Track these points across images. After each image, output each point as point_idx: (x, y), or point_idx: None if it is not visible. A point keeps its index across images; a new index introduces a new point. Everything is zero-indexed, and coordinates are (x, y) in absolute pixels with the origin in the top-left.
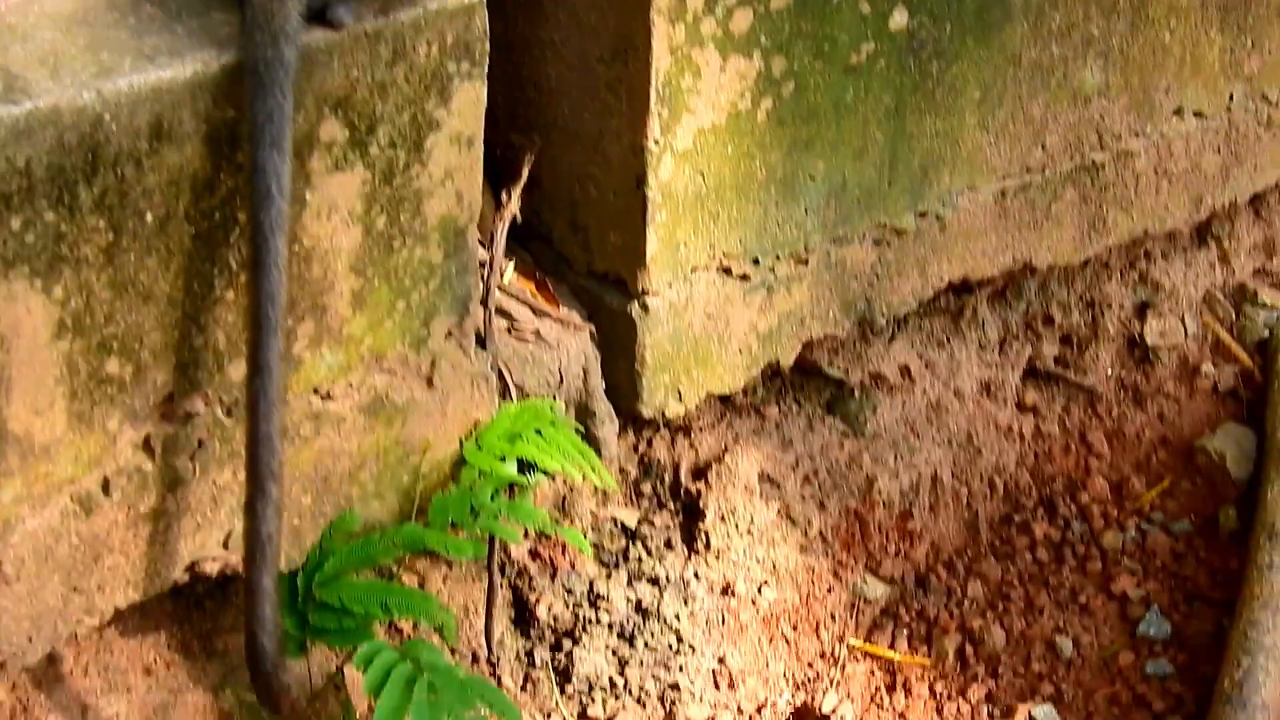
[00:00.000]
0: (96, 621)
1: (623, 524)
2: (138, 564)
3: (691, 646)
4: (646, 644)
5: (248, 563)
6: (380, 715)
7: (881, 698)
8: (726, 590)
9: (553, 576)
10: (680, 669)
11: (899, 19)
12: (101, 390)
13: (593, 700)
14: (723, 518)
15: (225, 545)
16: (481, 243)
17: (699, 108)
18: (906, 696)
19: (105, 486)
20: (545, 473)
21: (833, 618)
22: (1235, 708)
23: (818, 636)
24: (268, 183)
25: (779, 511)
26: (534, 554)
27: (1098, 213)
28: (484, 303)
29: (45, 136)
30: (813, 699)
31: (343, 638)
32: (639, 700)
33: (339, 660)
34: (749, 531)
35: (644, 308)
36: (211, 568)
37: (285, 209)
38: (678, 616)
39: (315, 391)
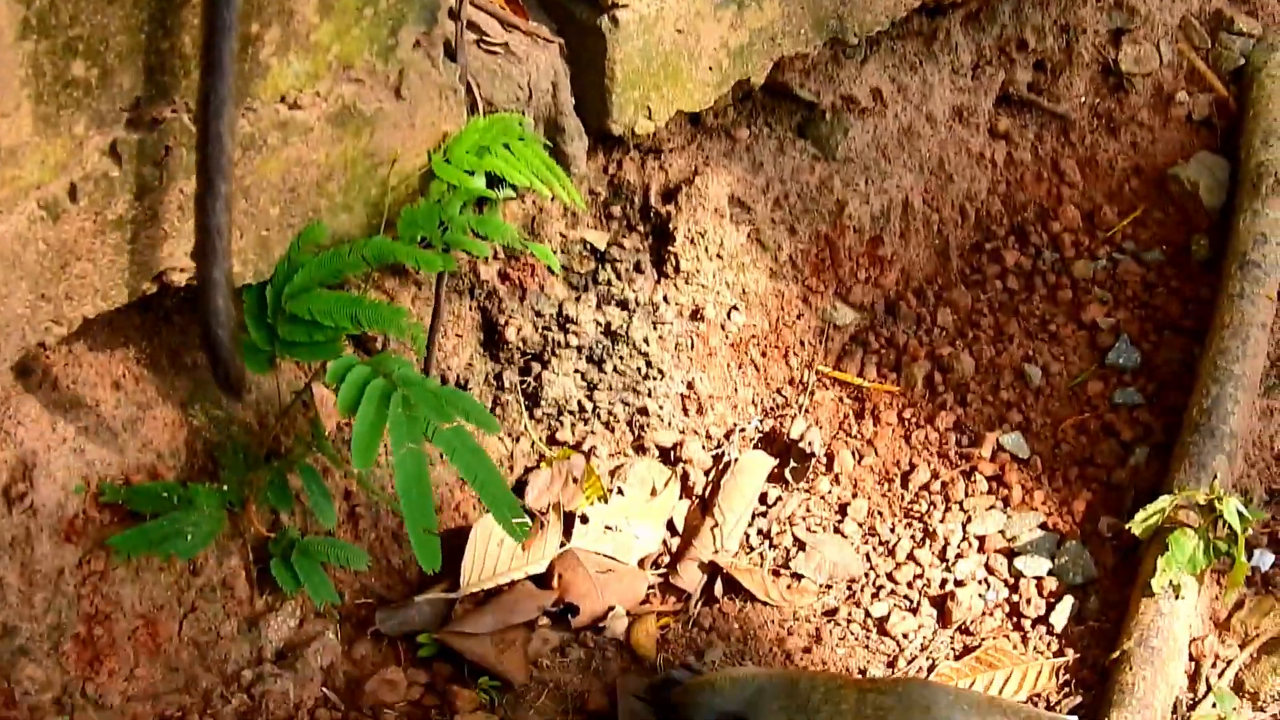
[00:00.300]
0: (65, 330)
1: (592, 246)
2: (105, 272)
3: (660, 371)
4: (615, 368)
5: (198, 256)
6: (358, 431)
7: (850, 424)
8: (695, 315)
9: (521, 299)
10: (649, 394)
11: None
12: (68, 94)
13: (561, 424)
14: (692, 240)
15: (193, 256)
16: None
17: None
18: (875, 424)
19: (72, 192)
20: (514, 189)
21: (802, 344)
22: (1203, 436)
23: (786, 363)
24: None
25: (749, 236)
26: (503, 276)
27: None
28: (453, 14)
29: None
30: (781, 425)
31: (312, 351)
32: (607, 425)
33: (307, 378)
34: (718, 255)
35: (614, 21)
36: (179, 278)
37: None
38: (646, 340)
39: (282, 100)
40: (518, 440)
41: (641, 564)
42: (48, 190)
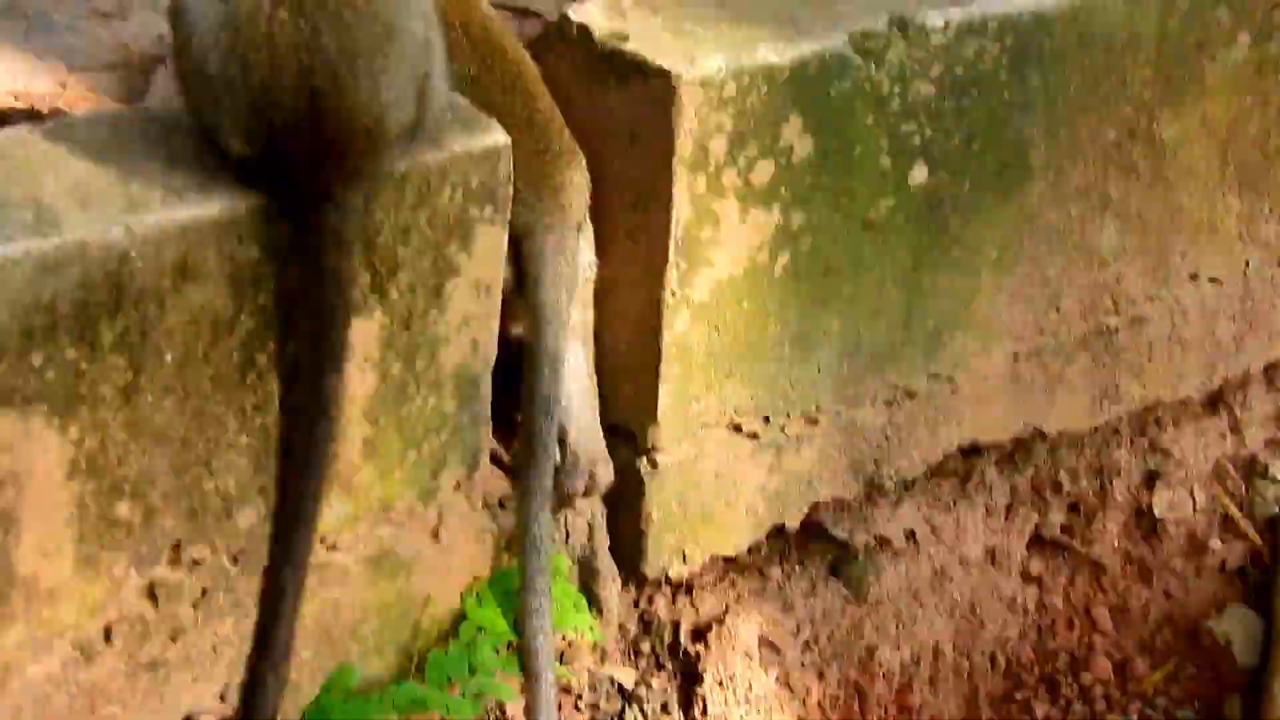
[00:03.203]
0: None
1: (620, 684)
2: (135, 715)
3: None
4: None
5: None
6: None
7: None
8: None
9: None
10: None
11: (919, 175)
12: (111, 534)
13: None
14: (721, 683)
15: (222, 699)
16: None
17: (717, 259)
18: None
19: (107, 634)
20: None
21: None
22: None
23: None
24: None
25: (778, 679)
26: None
27: (1110, 379)
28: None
29: (72, 272)
30: None
31: None
32: None
33: None
34: (747, 699)
35: (653, 464)
36: None
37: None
38: None
39: (321, 542)
40: None
41: None
42: (83, 631)
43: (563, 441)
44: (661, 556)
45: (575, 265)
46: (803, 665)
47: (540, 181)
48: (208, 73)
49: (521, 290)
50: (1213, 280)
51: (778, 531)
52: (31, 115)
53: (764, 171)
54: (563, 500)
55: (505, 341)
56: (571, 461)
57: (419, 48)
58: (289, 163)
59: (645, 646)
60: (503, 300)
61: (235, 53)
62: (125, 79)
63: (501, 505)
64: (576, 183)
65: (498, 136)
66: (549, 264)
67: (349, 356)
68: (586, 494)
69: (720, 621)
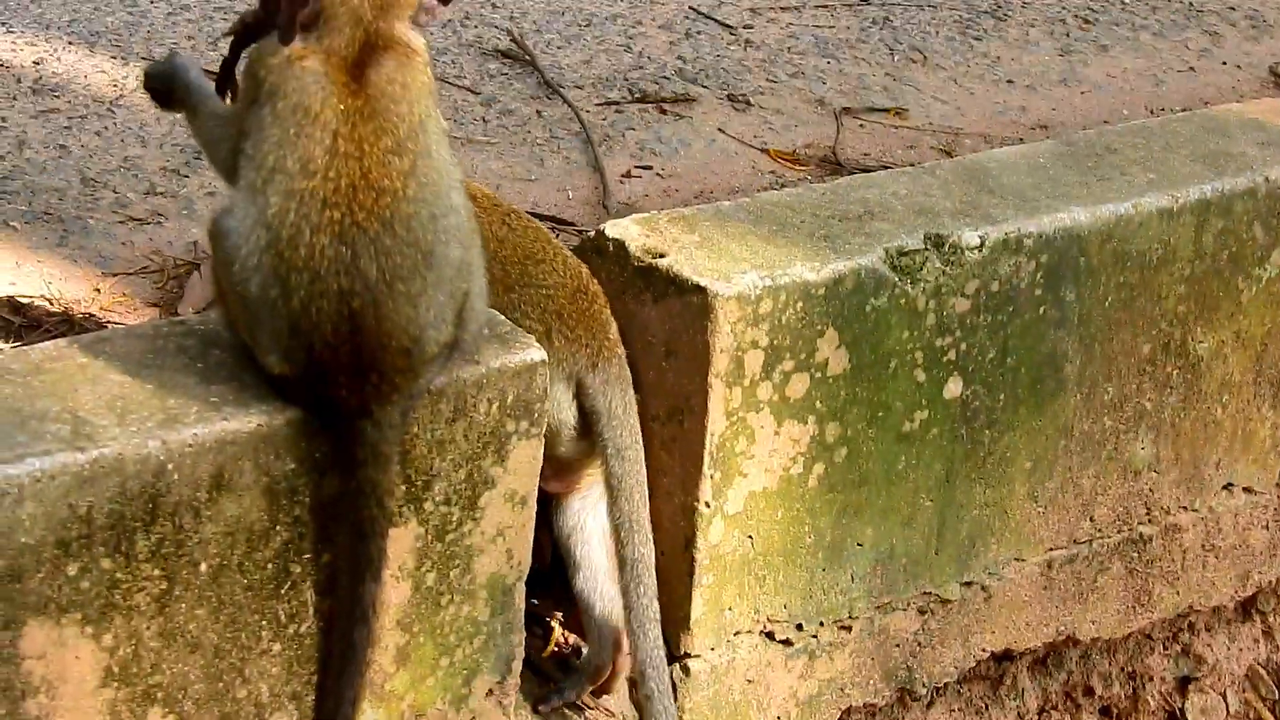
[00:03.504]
0: None
1: None
2: None
3: None
4: None
5: None
6: None
7: None
8: None
9: None
10: None
11: (953, 388)
12: None
13: None
14: None
15: None
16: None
17: (751, 471)
18: None
19: None
20: None
21: None
22: None
23: None
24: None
25: None
26: None
27: (1143, 586)
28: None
29: (108, 484)
30: None
31: None
32: None
33: None
34: None
35: (685, 670)
36: None
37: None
38: None
39: None
40: None
41: None
42: None
43: (590, 616)
44: None
45: (632, 394)
46: None
47: (589, 319)
48: (248, 293)
49: (588, 428)
50: (1247, 490)
51: None
52: (66, 319)
53: (799, 385)
54: (595, 675)
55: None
56: (597, 635)
57: (458, 271)
58: (328, 381)
59: None
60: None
61: (276, 276)
62: (159, 284)
63: (536, 710)
64: (612, 319)
65: (534, 353)
66: (615, 394)
67: (387, 565)
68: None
69: None
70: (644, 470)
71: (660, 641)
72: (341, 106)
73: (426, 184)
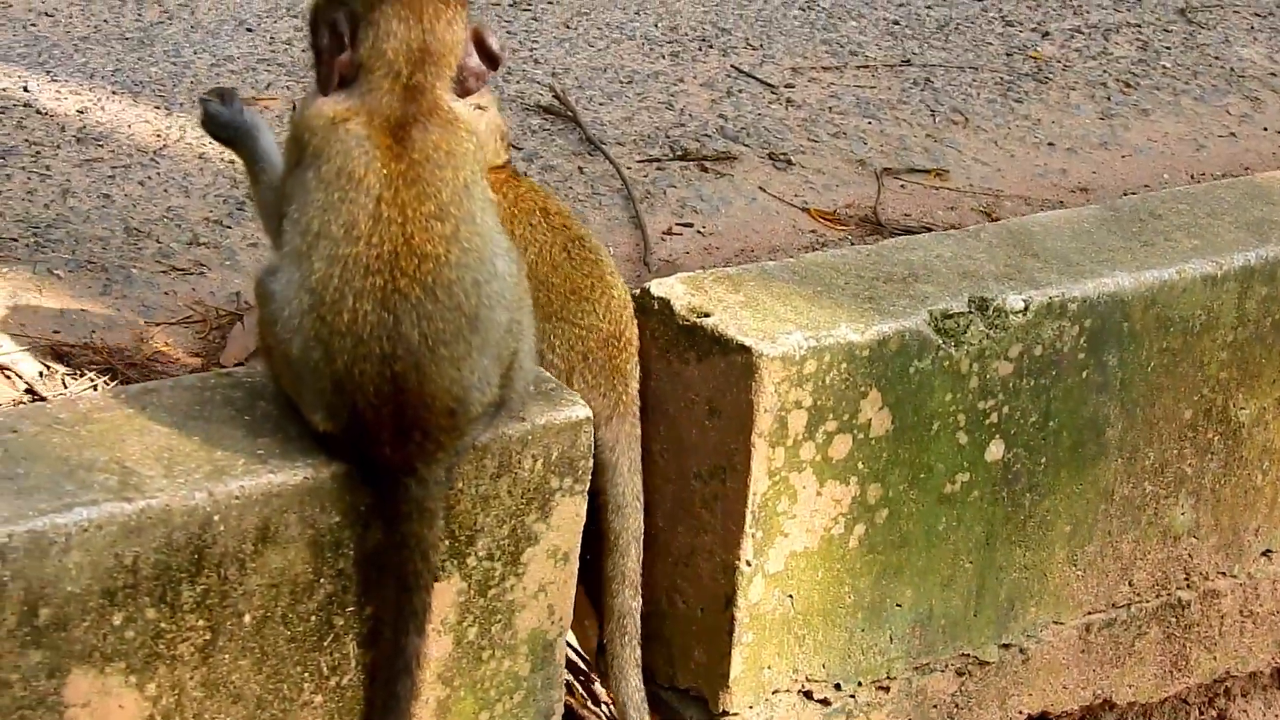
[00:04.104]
0: None
1: None
2: None
3: None
4: None
5: None
6: None
7: None
8: None
9: None
10: None
11: (995, 450)
12: None
13: None
14: None
15: None
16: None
17: (793, 531)
18: None
19: None
20: None
21: None
22: None
23: None
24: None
25: None
26: None
27: (1181, 651)
28: None
29: (155, 535)
30: None
31: None
32: None
33: None
34: None
35: None
36: None
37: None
38: None
39: None
40: None
41: None
42: None
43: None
44: None
45: (639, 451)
46: None
47: (613, 370)
48: (292, 354)
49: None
50: None
51: None
52: (108, 369)
53: (842, 446)
54: None
55: None
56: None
57: (503, 333)
58: (371, 439)
59: None
60: None
61: (319, 339)
62: (202, 334)
63: None
64: (637, 372)
65: (579, 410)
66: (624, 451)
67: (430, 619)
68: None
69: None
70: (642, 526)
71: (640, 685)
72: (385, 171)
73: (470, 249)
